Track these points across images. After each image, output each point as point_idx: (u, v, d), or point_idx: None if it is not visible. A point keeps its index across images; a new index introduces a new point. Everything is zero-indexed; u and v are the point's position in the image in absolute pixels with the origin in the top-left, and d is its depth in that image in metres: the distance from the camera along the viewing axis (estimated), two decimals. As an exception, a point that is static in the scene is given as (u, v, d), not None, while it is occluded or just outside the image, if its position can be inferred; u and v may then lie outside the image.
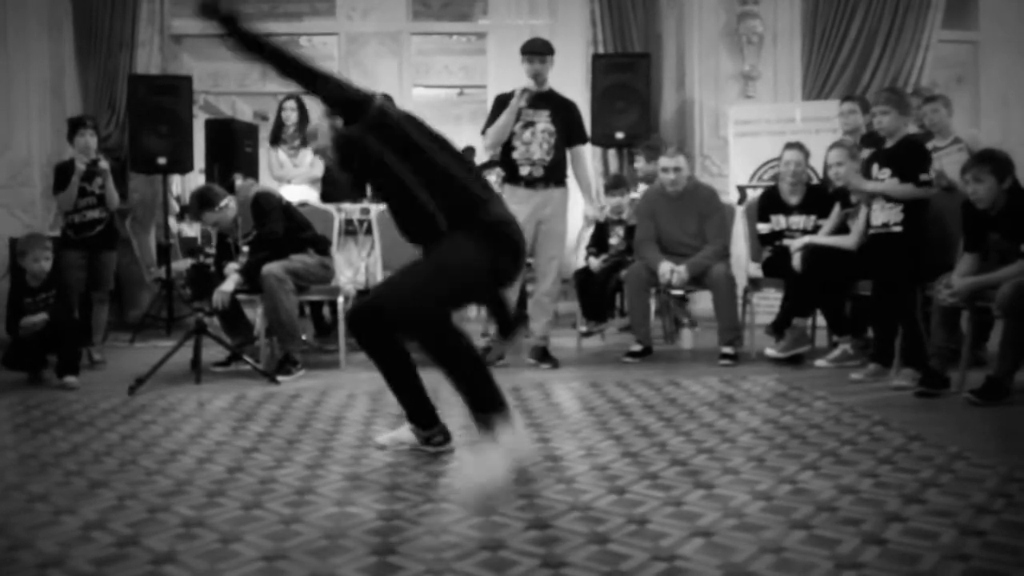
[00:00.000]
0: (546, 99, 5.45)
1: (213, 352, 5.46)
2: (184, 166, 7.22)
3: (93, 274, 5.88)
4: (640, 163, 6.61)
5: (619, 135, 7.16)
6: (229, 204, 5.40)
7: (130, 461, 3.48)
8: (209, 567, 2.38)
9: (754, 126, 7.17)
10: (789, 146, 5.77)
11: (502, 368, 5.42)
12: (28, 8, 7.29)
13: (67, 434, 3.96)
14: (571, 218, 5.93)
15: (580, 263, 6.65)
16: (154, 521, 2.77)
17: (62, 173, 5.81)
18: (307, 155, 6.82)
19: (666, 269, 5.51)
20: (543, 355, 5.50)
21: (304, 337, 5.92)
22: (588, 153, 5.94)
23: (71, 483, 3.20)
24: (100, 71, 7.42)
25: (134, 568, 2.40)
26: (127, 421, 4.20)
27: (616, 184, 6.36)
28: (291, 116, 6.93)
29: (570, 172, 5.60)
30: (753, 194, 6.64)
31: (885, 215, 4.89)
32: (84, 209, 5.83)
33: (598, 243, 6.31)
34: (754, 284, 5.87)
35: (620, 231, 6.26)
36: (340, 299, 5.64)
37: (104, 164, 5.88)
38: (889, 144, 4.94)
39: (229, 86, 12.21)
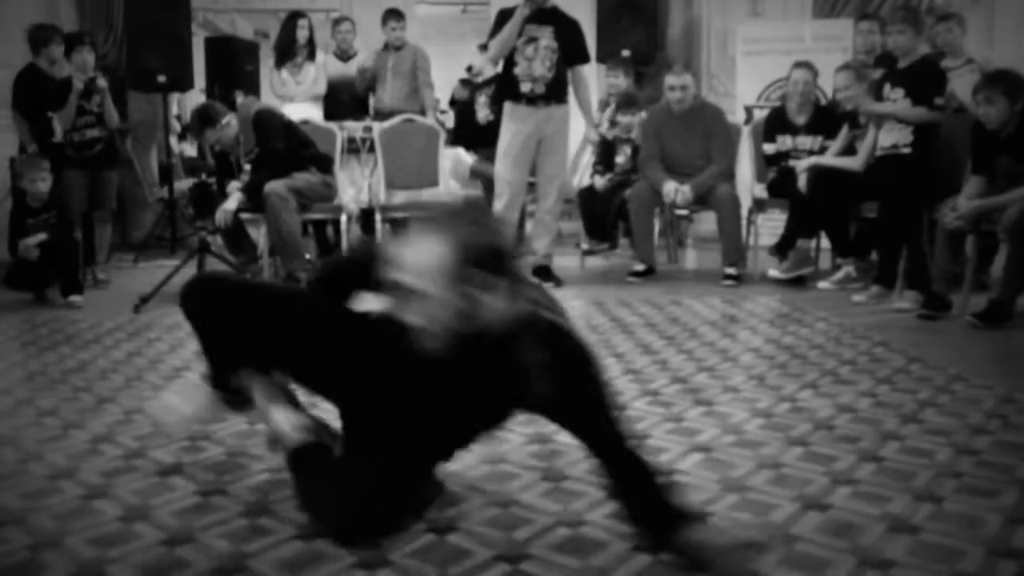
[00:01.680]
0: (550, 16, 5.35)
1: (216, 267, 5.47)
2: (184, 84, 7.13)
3: (94, 194, 5.86)
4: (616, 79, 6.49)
5: (625, 53, 7.05)
6: (230, 122, 5.35)
7: (136, 378, 3.52)
8: (215, 478, 2.43)
9: (762, 45, 7.05)
10: (797, 65, 5.68)
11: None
12: (21, -81, 7.12)
13: (74, 351, 4.00)
14: (572, 136, 5.87)
15: (577, 183, 6.60)
16: (160, 435, 2.81)
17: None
18: (310, 72, 6.74)
19: (670, 188, 5.48)
20: (546, 273, 5.51)
21: (307, 256, 5.92)
22: (589, 73, 5.85)
23: (79, 399, 3.25)
24: (95, 7, 7.26)
25: (141, 479, 2.44)
26: (132, 339, 4.24)
27: (627, 103, 6.27)
28: (303, 34, 6.81)
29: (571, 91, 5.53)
30: (760, 114, 6.56)
31: (894, 136, 4.84)
32: (83, 128, 5.78)
33: (604, 162, 6.26)
34: (759, 205, 5.84)
35: (627, 150, 6.19)
36: (343, 217, 5.63)
37: (102, 82, 5.81)
38: (903, 64, 4.86)
39: (228, 3, 11.98)
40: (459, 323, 1.84)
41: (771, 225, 6.16)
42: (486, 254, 1.83)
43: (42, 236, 5.13)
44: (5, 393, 3.37)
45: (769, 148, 5.73)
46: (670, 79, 5.71)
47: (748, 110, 7.01)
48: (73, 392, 3.34)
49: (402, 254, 1.84)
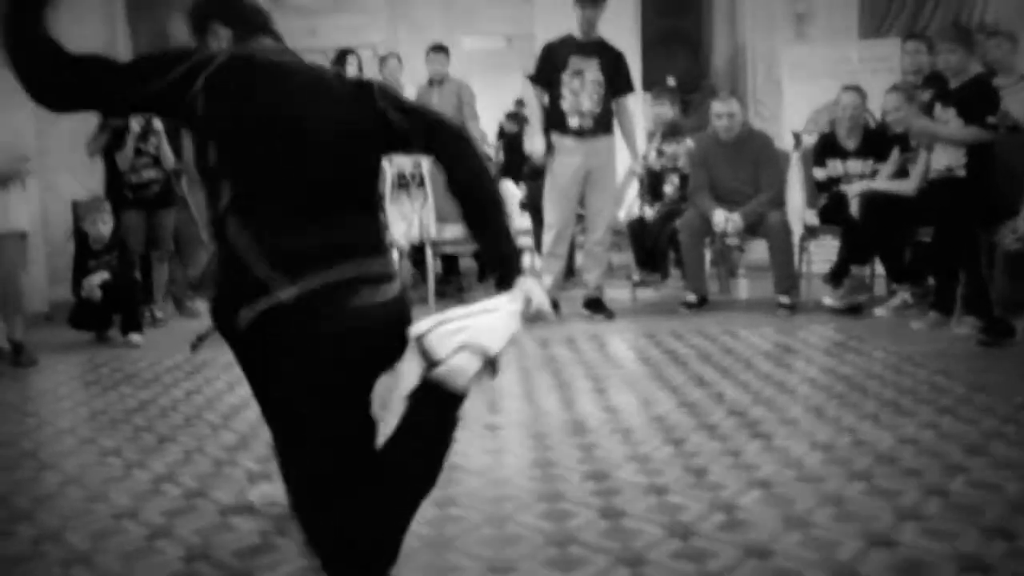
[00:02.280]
0: (595, 48, 5.37)
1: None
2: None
3: (152, 233, 5.98)
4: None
5: (670, 81, 7.06)
6: None
7: (195, 416, 3.57)
8: (275, 519, 2.44)
9: (808, 69, 7.01)
10: (846, 89, 5.63)
11: (556, 319, 5.43)
12: (80, -30, 7.37)
13: (134, 391, 4.07)
14: (619, 167, 5.87)
15: (623, 215, 6.58)
16: (220, 474, 2.85)
17: (118, 134, 5.89)
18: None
19: (720, 218, 5.45)
20: (597, 306, 5.49)
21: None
22: (634, 104, 5.86)
23: (140, 438, 3.31)
24: (151, 32, 7.47)
25: (203, 519, 2.48)
26: (190, 377, 4.30)
27: (673, 132, 6.25)
28: (352, 71, 6.91)
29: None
30: (808, 139, 6.51)
31: (948, 158, 4.76)
32: (140, 169, 5.92)
33: (652, 192, 6.24)
34: (810, 232, 5.78)
35: (675, 179, 6.17)
36: (394, 252, 5.67)
37: (158, 124, 5.95)
38: (954, 83, 4.79)
39: (279, 43, 12.24)
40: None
41: (824, 252, 6.08)
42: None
43: (104, 276, 5.25)
44: (70, 432, 3.45)
45: (819, 174, 5.67)
46: (716, 107, 5.69)
47: (796, 135, 6.95)
48: (134, 431, 3.40)
49: None
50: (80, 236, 5.49)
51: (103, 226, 5.33)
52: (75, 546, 2.33)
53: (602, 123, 5.37)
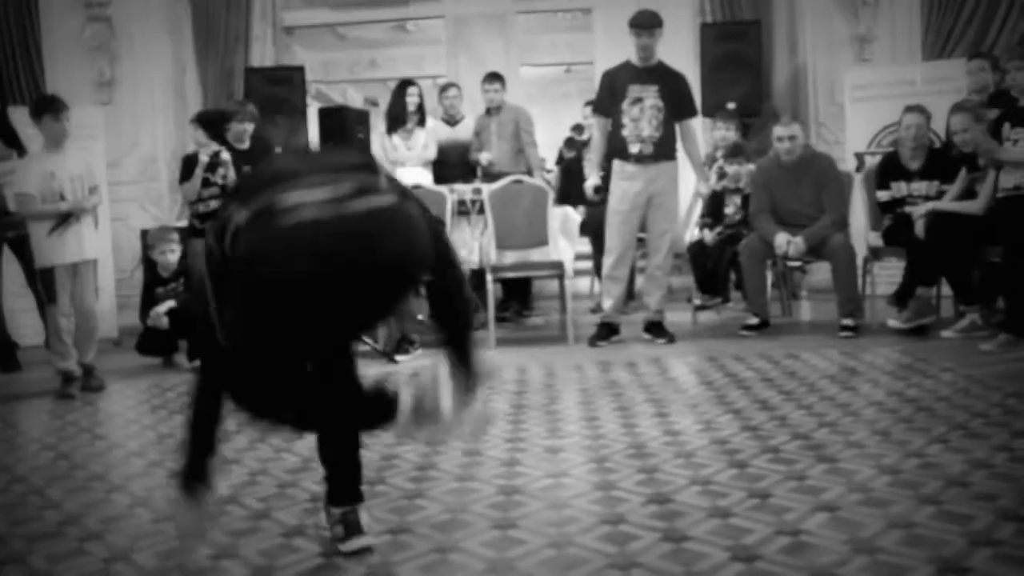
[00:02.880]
0: (655, 73, 5.38)
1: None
2: (301, 154, 7.41)
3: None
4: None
5: (730, 105, 7.01)
6: None
7: (259, 439, 3.62)
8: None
9: (871, 90, 6.91)
10: (909, 109, 5.55)
11: (617, 343, 5.42)
12: (151, 13, 7.65)
13: (200, 414, 4.14)
14: (682, 191, 5.85)
15: (689, 237, 6.56)
16: (284, 496, 2.89)
17: (187, 164, 6.06)
18: (420, 137, 6.91)
19: (782, 240, 5.39)
20: (658, 329, 5.46)
21: (420, 317, 6.01)
22: (697, 127, 5.85)
23: (206, 460, 3.36)
24: (218, 67, 7.69)
25: (267, 540, 2.51)
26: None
27: (734, 153, 6.20)
28: (413, 101, 7.02)
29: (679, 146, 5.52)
30: (872, 161, 6.41)
31: (1017, 178, 4.66)
32: (208, 199, 6.04)
33: (713, 214, 6.19)
34: (874, 254, 5.69)
35: (737, 200, 6.12)
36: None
37: (226, 155, 6.09)
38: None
39: (340, 74, 12.48)
40: None
41: (888, 274, 5.97)
42: None
43: (170, 304, 5.37)
44: (138, 455, 3.52)
45: (883, 195, 5.59)
46: (778, 130, 5.65)
47: (859, 157, 6.86)
48: (201, 454, 3.45)
49: None
50: (149, 264, 5.64)
51: (171, 255, 5.47)
52: (143, 565, 2.38)
53: (663, 149, 5.37)
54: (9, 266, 5.77)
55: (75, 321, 4.96)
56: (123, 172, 7.27)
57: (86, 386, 4.87)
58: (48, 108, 4.91)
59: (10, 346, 5.79)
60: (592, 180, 5.59)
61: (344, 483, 2.44)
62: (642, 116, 5.32)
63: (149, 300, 5.47)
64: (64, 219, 4.84)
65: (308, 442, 3.48)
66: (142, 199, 7.43)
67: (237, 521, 2.67)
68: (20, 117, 5.98)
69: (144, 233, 6.31)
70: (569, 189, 7.10)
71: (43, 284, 4.90)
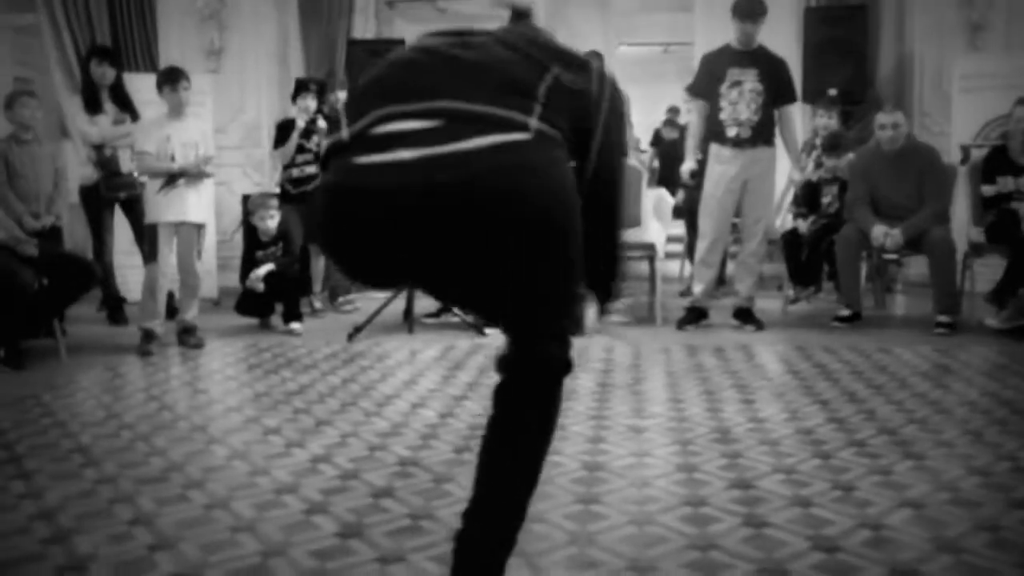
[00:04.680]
0: (755, 57, 5.31)
1: (424, 304, 5.72)
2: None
3: (308, 227, 6.27)
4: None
5: (832, 92, 6.87)
6: None
7: (350, 403, 3.74)
8: (424, 504, 2.55)
9: (981, 80, 6.69)
10: (1021, 101, 5.37)
11: (705, 328, 5.40)
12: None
13: (294, 375, 4.31)
14: (778, 178, 5.77)
15: (781, 224, 6.46)
16: (373, 459, 2.99)
17: (282, 130, 6.24)
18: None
19: (879, 232, 5.29)
20: (747, 316, 5.43)
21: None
22: (797, 113, 5.75)
23: (299, 420, 3.50)
24: (321, 38, 7.85)
25: (357, 499, 2.61)
26: (346, 366, 4.51)
27: (834, 145, 6.06)
28: None
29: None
30: (978, 153, 6.22)
31: None
32: (302, 164, 6.22)
33: (809, 204, 6.08)
34: (975, 250, 5.54)
35: (834, 190, 6.00)
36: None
37: (322, 124, 6.24)
38: None
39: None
40: None
41: (988, 271, 5.80)
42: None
43: (269, 268, 5.55)
44: (236, 410, 3.68)
45: (988, 190, 5.43)
46: (881, 118, 5.52)
47: (965, 149, 6.65)
48: (294, 413, 3.60)
49: None
50: (249, 229, 5.83)
51: (270, 220, 5.64)
52: (241, 514, 2.50)
53: (761, 133, 5.30)
54: (120, 227, 6.04)
55: (179, 279, 5.18)
56: (227, 138, 7.49)
57: (185, 343, 5.08)
58: (166, 80, 5.16)
59: (119, 300, 6.06)
60: (688, 164, 5.58)
61: None
62: (741, 100, 5.27)
63: (249, 263, 5.66)
64: (172, 179, 5.04)
65: (398, 407, 3.60)
66: (244, 165, 7.65)
67: (328, 480, 2.78)
68: (135, 83, 6.24)
69: (245, 198, 6.51)
70: (666, 172, 7.07)
71: (148, 240, 5.13)
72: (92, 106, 5.91)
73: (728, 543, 2.25)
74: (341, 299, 6.48)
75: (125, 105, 6.01)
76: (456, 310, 5.43)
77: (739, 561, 2.14)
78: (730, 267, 6.27)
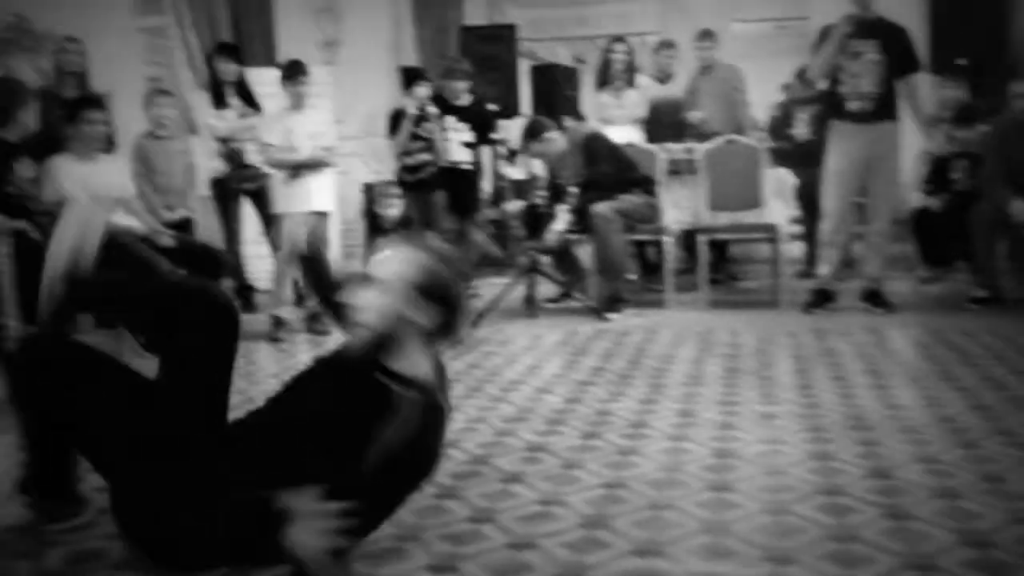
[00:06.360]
0: (874, 28, 5.10)
1: (544, 289, 5.73)
2: (511, 111, 7.56)
3: (423, 214, 6.34)
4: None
5: (961, 61, 6.55)
6: (556, 139, 5.62)
7: (476, 388, 3.78)
8: (554, 489, 2.56)
9: None
10: None
11: (832, 311, 5.25)
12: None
13: (419, 361, 4.37)
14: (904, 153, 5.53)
15: (913, 202, 6.19)
16: (501, 444, 3.01)
17: (394, 119, 6.31)
18: (631, 96, 6.87)
19: (1019, 208, 5.03)
20: (876, 298, 5.25)
21: (630, 276, 6.05)
22: (922, 83, 5.49)
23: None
24: (434, 25, 7.93)
25: (487, 484, 2.63)
26: (471, 351, 4.55)
27: (965, 117, 5.76)
28: (619, 57, 6.98)
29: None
30: None
31: None
32: (415, 152, 6.29)
33: (938, 180, 5.80)
34: None
35: (964, 164, 5.71)
36: (665, 239, 5.70)
37: (434, 110, 6.30)
38: None
39: (548, 32, 12.54)
40: (380, 329, 2.07)
41: None
42: (439, 294, 2.12)
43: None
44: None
45: None
46: (1018, 87, 5.25)
47: (1113, 119, 6.24)
48: (421, 399, 3.65)
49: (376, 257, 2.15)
50: (371, 217, 5.94)
51: (392, 209, 5.73)
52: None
53: (884, 106, 5.10)
54: (248, 218, 6.24)
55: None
56: (347, 129, 7.65)
57: (315, 329, 5.22)
58: (286, 74, 5.36)
59: (248, 289, 6.27)
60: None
61: None
62: (862, 72, 5.08)
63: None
64: (296, 170, 5.18)
65: (524, 392, 3.63)
66: (364, 154, 7.80)
67: (458, 465, 2.81)
68: (256, 78, 6.42)
69: (367, 187, 6.63)
70: (780, 150, 6.89)
71: (275, 229, 5.29)
72: (218, 101, 6.11)
73: (869, 535, 2.18)
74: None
75: (248, 99, 6.19)
76: (578, 294, 5.43)
77: (881, 554, 2.07)
78: (857, 248, 6.06)
